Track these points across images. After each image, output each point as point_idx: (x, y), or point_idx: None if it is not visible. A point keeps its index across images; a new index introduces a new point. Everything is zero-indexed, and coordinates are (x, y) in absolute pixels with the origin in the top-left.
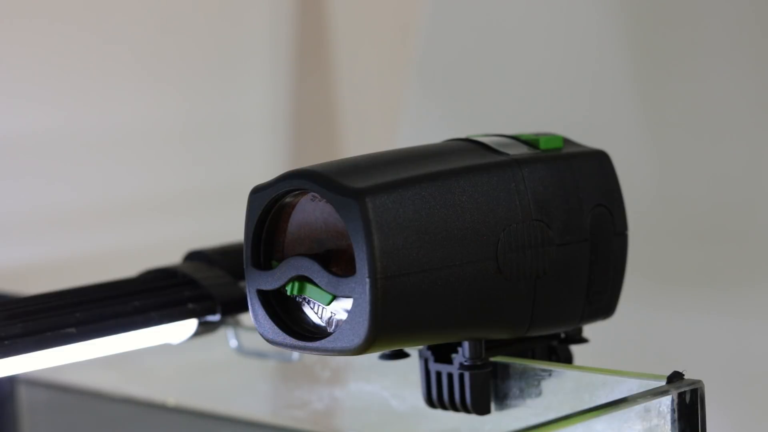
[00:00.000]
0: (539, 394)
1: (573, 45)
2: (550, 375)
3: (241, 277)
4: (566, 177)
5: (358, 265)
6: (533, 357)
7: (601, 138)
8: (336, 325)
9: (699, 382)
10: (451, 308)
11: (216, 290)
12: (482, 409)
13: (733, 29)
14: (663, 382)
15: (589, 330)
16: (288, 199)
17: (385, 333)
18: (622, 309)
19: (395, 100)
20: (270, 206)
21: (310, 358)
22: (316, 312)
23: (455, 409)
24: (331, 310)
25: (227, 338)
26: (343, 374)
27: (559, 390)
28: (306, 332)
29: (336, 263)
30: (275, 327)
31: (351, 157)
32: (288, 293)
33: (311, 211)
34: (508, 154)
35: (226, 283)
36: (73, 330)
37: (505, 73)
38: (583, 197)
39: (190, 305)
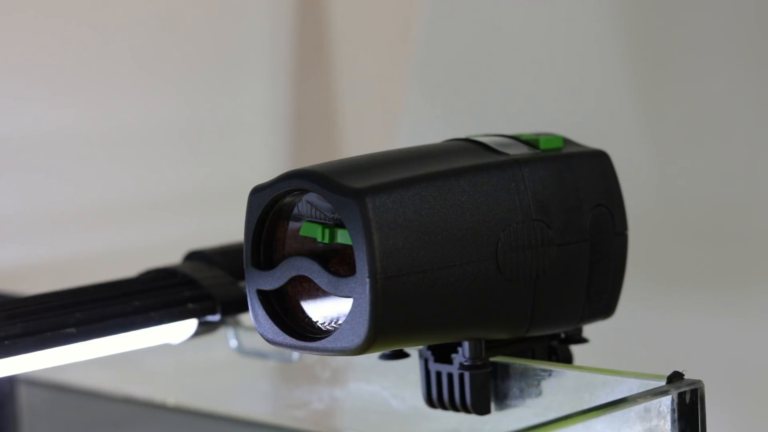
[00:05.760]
0: (539, 394)
1: (573, 45)
2: (550, 375)
3: (241, 277)
4: (566, 177)
5: (358, 265)
6: (533, 357)
7: (601, 138)
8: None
9: (699, 382)
10: (451, 308)
11: (216, 290)
12: (482, 409)
13: (733, 29)
14: (663, 382)
15: (589, 330)
16: (288, 199)
17: (385, 333)
18: (622, 309)
19: (395, 100)
20: (270, 206)
21: (310, 358)
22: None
23: (455, 409)
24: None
25: (227, 338)
26: (343, 374)
27: (559, 390)
28: (306, 332)
29: (336, 263)
30: (275, 327)
31: (351, 157)
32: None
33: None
34: (508, 154)
35: (226, 283)
36: (73, 330)
37: (505, 73)
38: (583, 197)
39: (190, 305)
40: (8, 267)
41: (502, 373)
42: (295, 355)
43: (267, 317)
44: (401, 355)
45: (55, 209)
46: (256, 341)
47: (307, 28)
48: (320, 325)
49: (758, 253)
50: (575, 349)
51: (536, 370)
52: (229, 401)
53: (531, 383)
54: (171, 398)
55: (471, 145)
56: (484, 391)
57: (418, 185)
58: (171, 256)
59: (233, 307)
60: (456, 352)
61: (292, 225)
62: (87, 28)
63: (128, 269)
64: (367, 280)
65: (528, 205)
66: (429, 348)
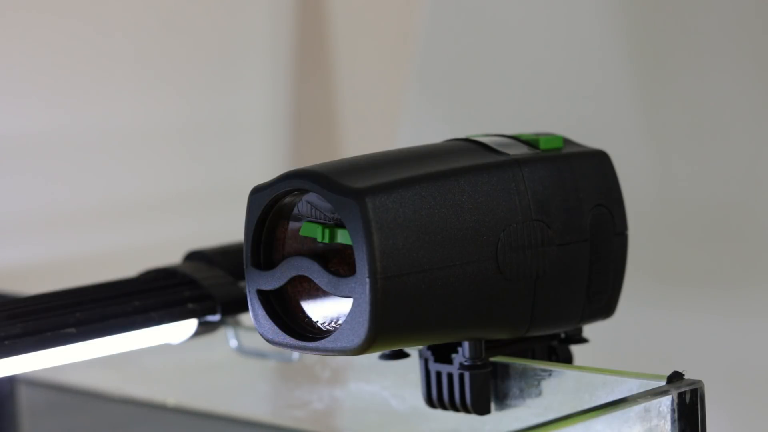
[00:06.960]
0: (539, 394)
1: (573, 45)
2: (550, 375)
3: (241, 277)
4: (566, 177)
5: (358, 265)
6: (533, 357)
7: (601, 138)
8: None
9: (699, 382)
10: (451, 308)
11: (216, 290)
12: (482, 409)
13: (734, 28)
14: (663, 382)
15: (589, 330)
16: (288, 199)
17: (385, 333)
18: (622, 309)
19: (395, 100)
20: (270, 206)
21: (310, 358)
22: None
23: (455, 409)
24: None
25: (227, 338)
26: (343, 374)
27: (559, 390)
28: (306, 332)
29: (336, 263)
30: (275, 327)
31: (351, 157)
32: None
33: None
34: (508, 154)
35: (226, 283)
36: (73, 330)
37: (505, 74)
38: (583, 197)
39: (190, 305)
40: (8, 267)
41: (502, 373)
42: (295, 355)
43: (267, 317)
44: (401, 355)
45: (55, 209)
46: (256, 341)
47: (307, 28)
48: (320, 325)
49: (758, 253)
50: (575, 349)
51: (536, 370)
52: (229, 401)
53: (531, 383)
54: (171, 398)
55: (471, 145)
56: (484, 391)
57: (418, 185)
58: (171, 256)
59: (233, 307)
60: (456, 352)
61: (292, 225)
62: (87, 28)
63: (128, 269)
64: (367, 280)
65: (528, 205)
66: (429, 348)
